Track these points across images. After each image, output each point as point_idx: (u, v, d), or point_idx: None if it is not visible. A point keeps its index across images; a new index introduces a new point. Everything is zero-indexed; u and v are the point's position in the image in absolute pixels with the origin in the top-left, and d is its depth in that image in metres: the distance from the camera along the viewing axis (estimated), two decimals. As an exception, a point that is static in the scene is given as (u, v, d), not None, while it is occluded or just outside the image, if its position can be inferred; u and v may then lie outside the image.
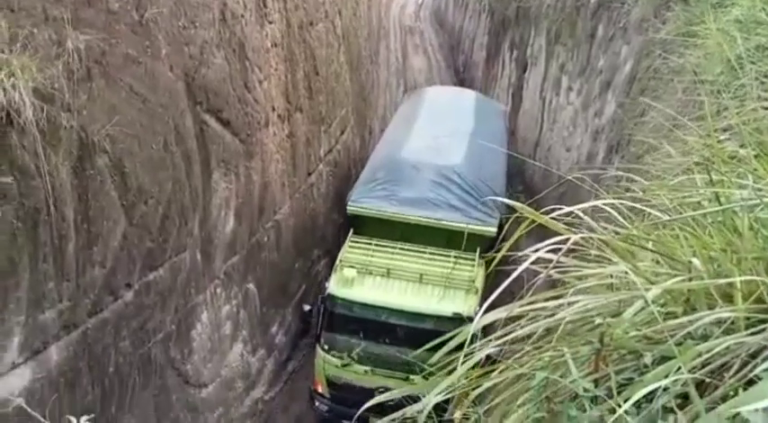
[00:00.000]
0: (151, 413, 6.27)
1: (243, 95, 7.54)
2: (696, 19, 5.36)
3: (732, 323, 1.38)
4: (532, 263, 1.62)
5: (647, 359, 1.42)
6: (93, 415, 4.86)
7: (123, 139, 5.24)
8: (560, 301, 1.65)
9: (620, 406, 1.28)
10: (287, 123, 9.24)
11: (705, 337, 1.39)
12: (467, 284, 7.99)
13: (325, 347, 8.31)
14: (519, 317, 1.71)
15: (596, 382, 1.47)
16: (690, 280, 1.52)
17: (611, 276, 1.70)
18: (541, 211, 1.80)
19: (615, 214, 1.86)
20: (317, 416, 8.79)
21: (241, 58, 7.40)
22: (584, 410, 1.43)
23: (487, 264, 8.23)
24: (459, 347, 1.74)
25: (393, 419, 1.88)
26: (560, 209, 1.78)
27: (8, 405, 4.24)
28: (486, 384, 1.72)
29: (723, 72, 4.02)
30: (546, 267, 1.67)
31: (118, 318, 5.49)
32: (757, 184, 1.80)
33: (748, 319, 1.37)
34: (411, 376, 7.33)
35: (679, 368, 1.28)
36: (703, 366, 1.31)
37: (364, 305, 8.01)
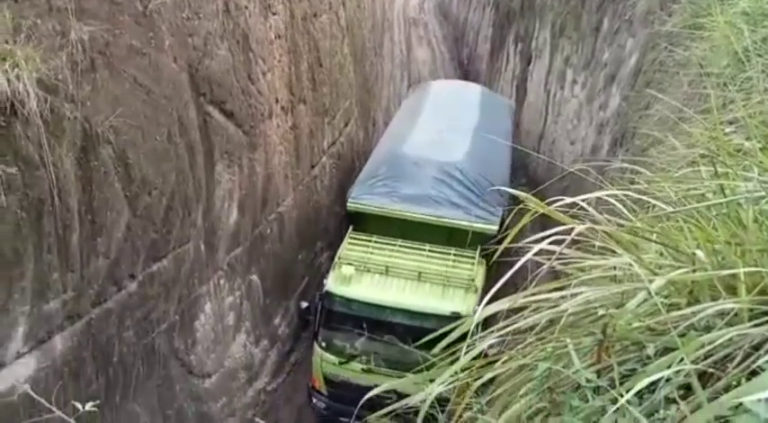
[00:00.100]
0: (155, 403, 6.31)
1: (246, 87, 7.53)
2: (703, 11, 5.32)
3: (735, 315, 1.38)
4: (535, 254, 1.62)
5: (650, 350, 1.42)
6: (98, 401, 4.89)
7: (127, 130, 5.25)
8: (563, 292, 1.65)
9: (622, 396, 1.29)
10: (290, 115, 9.22)
11: (708, 329, 1.39)
12: (466, 283, 7.89)
13: (323, 345, 8.21)
14: (522, 308, 1.71)
15: (599, 373, 1.47)
16: (693, 271, 1.52)
17: (615, 268, 1.70)
18: (545, 202, 1.80)
19: (619, 206, 1.86)
20: (315, 413, 8.75)
21: (245, 49, 7.38)
22: (587, 401, 1.43)
23: (488, 261, 8.19)
24: (459, 342, 1.74)
25: (389, 412, 1.88)
26: (564, 200, 1.78)
27: (14, 393, 4.28)
28: (489, 375, 1.73)
29: (729, 64, 3.99)
30: (549, 258, 1.67)
31: (122, 308, 5.52)
32: (762, 177, 1.80)
33: (751, 310, 1.37)
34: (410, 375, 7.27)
35: (682, 359, 1.28)
36: (706, 357, 1.32)
37: (362, 303, 7.88)
